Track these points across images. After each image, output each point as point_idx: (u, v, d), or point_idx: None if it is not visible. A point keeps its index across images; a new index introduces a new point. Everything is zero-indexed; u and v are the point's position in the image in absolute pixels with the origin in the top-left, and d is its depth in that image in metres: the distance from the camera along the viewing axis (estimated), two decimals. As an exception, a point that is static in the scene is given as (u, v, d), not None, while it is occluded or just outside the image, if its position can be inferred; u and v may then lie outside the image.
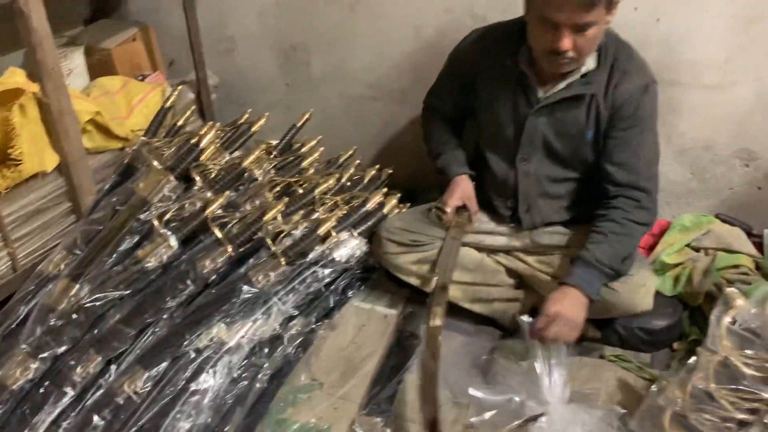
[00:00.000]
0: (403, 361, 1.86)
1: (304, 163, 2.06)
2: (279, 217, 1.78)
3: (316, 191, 1.89)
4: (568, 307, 1.67)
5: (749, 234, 2.08)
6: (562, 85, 1.77)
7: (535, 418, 1.57)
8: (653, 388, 1.49)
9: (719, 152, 2.13)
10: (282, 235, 1.75)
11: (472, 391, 1.66)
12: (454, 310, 1.98)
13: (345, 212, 1.86)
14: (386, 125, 2.54)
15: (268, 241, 1.70)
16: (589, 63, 1.74)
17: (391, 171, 2.36)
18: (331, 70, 2.53)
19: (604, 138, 1.80)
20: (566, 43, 1.59)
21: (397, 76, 2.43)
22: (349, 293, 2.09)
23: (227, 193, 1.80)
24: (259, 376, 1.73)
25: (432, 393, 1.56)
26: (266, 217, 1.73)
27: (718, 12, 1.94)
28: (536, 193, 1.92)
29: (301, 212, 1.87)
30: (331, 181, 1.94)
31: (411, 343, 1.93)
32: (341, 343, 1.93)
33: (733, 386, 1.31)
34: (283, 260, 1.68)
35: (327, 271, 1.82)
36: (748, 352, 1.31)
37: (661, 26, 2.00)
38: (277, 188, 1.92)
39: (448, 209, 1.91)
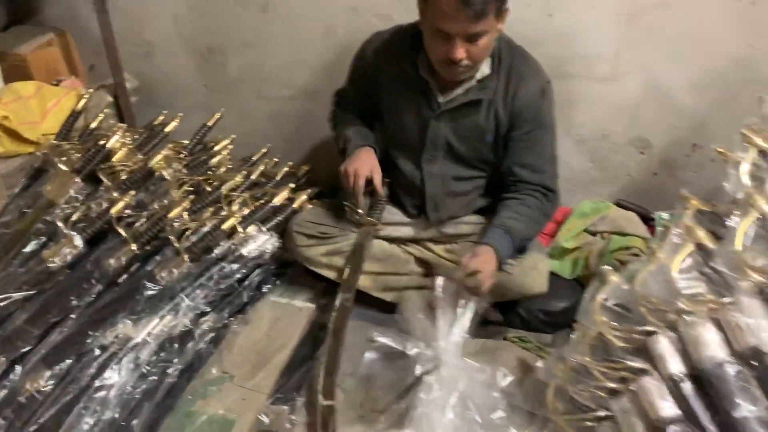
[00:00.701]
0: (313, 351, 1.91)
1: (214, 162, 2.09)
2: (185, 215, 1.82)
3: (223, 188, 1.93)
4: (482, 260, 1.75)
5: (648, 218, 2.19)
6: (459, 90, 1.84)
7: (428, 372, 1.64)
8: (538, 364, 1.57)
9: (616, 141, 2.24)
10: (188, 233, 1.78)
11: (376, 336, 1.75)
12: (365, 299, 2.05)
13: (252, 208, 1.90)
14: (304, 123, 2.59)
15: (172, 238, 1.73)
16: (484, 69, 1.81)
17: (308, 168, 2.41)
18: (247, 70, 2.57)
19: (507, 140, 1.87)
20: (460, 52, 1.65)
21: (311, 75, 2.48)
22: (265, 288, 2.13)
23: (132, 192, 1.82)
24: (169, 371, 1.75)
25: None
26: (171, 215, 1.76)
27: (606, 6, 2.04)
28: (442, 192, 1.99)
29: (211, 210, 1.91)
30: (238, 178, 1.98)
31: (323, 334, 1.98)
32: (255, 336, 1.98)
33: (605, 358, 1.39)
34: (186, 257, 1.72)
35: (235, 266, 1.86)
36: (619, 325, 1.39)
37: (554, 22, 2.09)
38: (186, 187, 1.95)
39: (360, 180, 1.89)
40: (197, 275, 1.78)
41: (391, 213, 2.08)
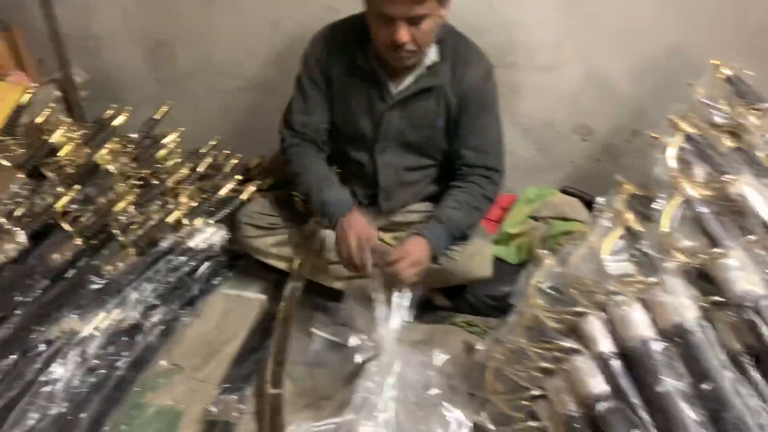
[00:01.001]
0: (264, 341, 1.93)
1: (161, 154, 2.08)
2: (132, 209, 1.82)
3: (169, 181, 1.93)
4: (413, 250, 1.78)
5: (592, 203, 2.24)
6: (410, 78, 1.86)
7: (368, 359, 1.66)
8: (478, 346, 1.61)
9: (559, 129, 2.29)
10: (133, 226, 1.79)
11: (314, 330, 1.78)
12: (315, 288, 2.08)
13: (199, 201, 1.91)
14: (255, 115, 2.59)
15: (116, 231, 1.73)
16: (432, 55, 1.84)
17: (259, 160, 2.42)
18: (197, 63, 2.56)
19: (454, 124, 1.91)
20: (403, 35, 1.66)
21: (261, 67, 2.48)
22: (216, 281, 2.14)
23: (78, 187, 1.82)
24: (118, 364, 1.75)
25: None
26: (116, 209, 1.77)
27: (546, -5, 2.08)
28: (395, 182, 2.02)
29: (158, 203, 1.92)
30: (184, 171, 1.98)
31: (273, 324, 2.00)
32: (205, 328, 1.99)
33: (540, 339, 1.43)
34: (131, 250, 1.72)
35: (183, 259, 1.88)
36: (552, 307, 1.44)
37: (496, 11, 2.13)
38: (133, 180, 1.95)
39: (368, 265, 1.81)
40: (144, 268, 1.79)
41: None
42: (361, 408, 1.51)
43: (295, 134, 1.97)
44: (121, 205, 1.77)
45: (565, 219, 2.12)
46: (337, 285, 2.08)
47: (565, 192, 2.33)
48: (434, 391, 1.54)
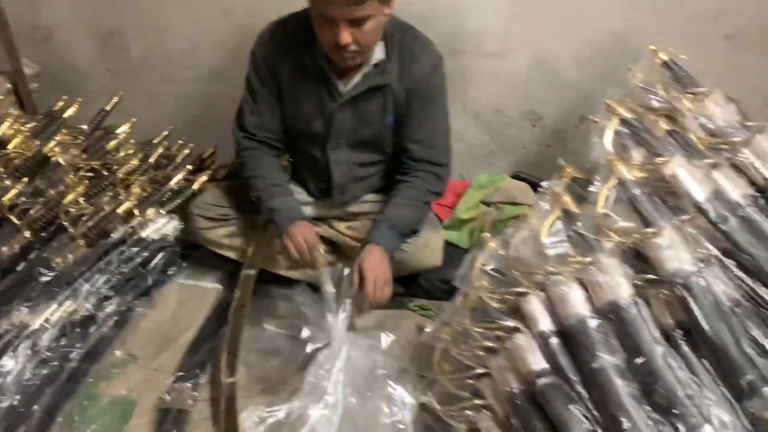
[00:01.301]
0: (218, 329, 1.94)
1: (112, 145, 2.07)
2: (81, 200, 1.82)
3: (119, 172, 1.93)
4: (374, 264, 1.81)
5: (543, 188, 2.29)
6: (358, 77, 1.85)
7: (320, 349, 1.70)
8: (426, 329, 1.65)
9: (509, 115, 2.33)
10: (84, 218, 1.79)
11: (265, 325, 1.82)
12: (271, 278, 2.09)
13: (149, 191, 1.91)
14: (209, 105, 2.59)
15: (66, 223, 1.73)
16: (378, 53, 1.83)
17: (213, 149, 2.42)
18: (150, 53, 2.55)
19: (403, 118, 1.92)
20: (345, 37, 1.65)
21: (214, 56, 2.48)
22: (171, 271, 2.14)
23: (25, 179, 1.81)
24: (72, 356, 1.76)
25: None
26: (65, 200, 1.76)
27: (493, -18, 2.11)
28: (348, 177, 2.03)
29: (110, 194, 1.91)
30: (134, 161, 1.98)
31: (227, 313, 2.01)
32: (160, 318, 2.00)
33: (483, 320, 1.48)
34: (82, 242, 1.72)
35: (135, 250, 1.88)
36: (495, 288, 1.48)
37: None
38: (83, 172, 1.94)
39: (316, 253, 1.87)
40: (95, 260, 1.79)
41: (296, 192, 2.11)
42: (311, 393, 1.55)
43: (249, 136, 1.96)
44: (70, 197, 1.76)
45: (515, 204, 2.16)
46: (291, 274, 2.10)
47: (517, 177, 2.37)
48: (381, 372, 1.58)
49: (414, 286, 2.10)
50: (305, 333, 1.71)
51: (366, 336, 1.66)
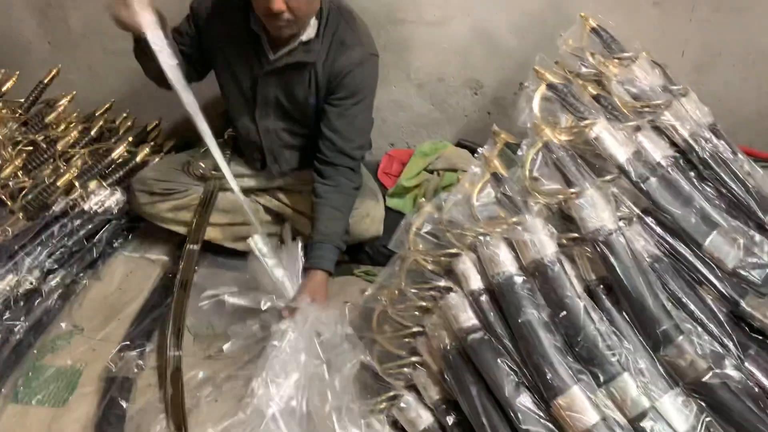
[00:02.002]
0: (164, 299, 1.96)
1: (51, 118, 2.05)
2: (20, 174, 1.81)
3: (59, 145, 1.92)
4: (315, 291, 1.83)
5: (484, 154, 2.34)
6: (285, 50, 1.85)
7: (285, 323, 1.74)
8: (367, 292, 1.70)
9: (451, 83, 2.36)
10: (24, 191, 1.78)
11: (227, 297, 1.85)
12: (218, 250, 2.12)
13: (90, 164, 1.91)
14: (154, 77, 2.57)
15: (3, 197, 1.72)
16: (310, 31, 1.83)
17: (158, 122, 2.41)
18: (90, 25, 2.51)
19: (324, 103, 1.92)
20: (278, 3, 1.64)
21: (156, 27, 2.45)
22: (116, 243, 2.15)
23: (-41, 154, 1.79)
24: (16, 329, 1.76)
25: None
26: (2, 175, 1.75)
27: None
28: (278, 145, 2.05)
29: (50, 167, 1.90)
30: (74, 134, 1.97)
31: (173, 283, 2.03)
32: (106, 290, 2.01)
33: (419, 281, 1.53)
34: (21, 215, 1.72)
35: (78, 222, 1.88)
36: (430, 250, 1.53)
37: (383, -33, 2.17)
38: (22, 146, 1.92)
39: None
40: (36, 233, 1.79)
41: (238, 165, 2.14)
42: (271, 366, 1.60)
43: None
44: (7, 171, 1.75)
45: (455, 170, 2.21)
46: (239, 246, 2.12)
47: (460, 144, 2.42)
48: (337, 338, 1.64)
49: (359, 252, 2.15)
50: (265, 304, 1.77)
51: (326, 308, 1.74)
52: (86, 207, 1.87)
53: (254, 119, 1.99)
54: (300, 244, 1.87)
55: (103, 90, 2.52)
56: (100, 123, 2.11)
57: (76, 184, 1.82)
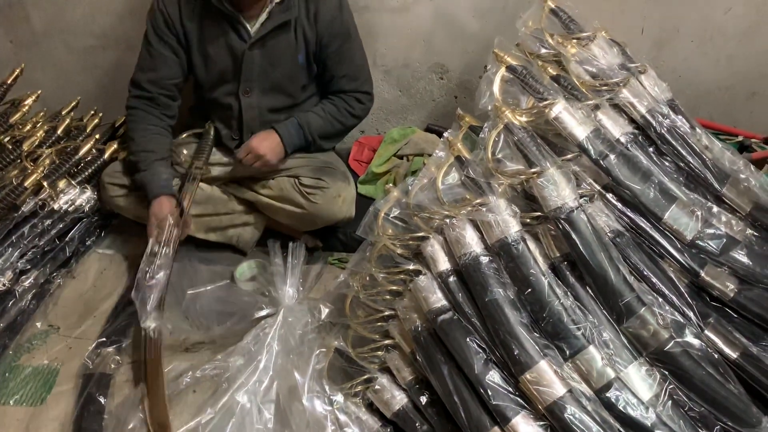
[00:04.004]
0: (139, 294, 1.97)
1: (16, 118, 2.03)
2: (-14, 176, 1.80)
3: (25, 145, 1.91)
4: (265, 145, 1.97)
5: (453, 138, 2.37)
6: (264, 15, 1.89)
7: (267, 316, 1.79)
8: (340, 278, 1.72)
9: (417, 69, 2.38)
10: (-9, 193, 1.77)
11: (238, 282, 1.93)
12: (191, 242, 2.12)
13: (58, 163, 1.90)
14: (119, 73, 2.53)
15: (-29, 199, 1.72)
16: None
17: (125, 118, 2.40)
18: (52, 23, 2.48)
19: (321, 58, 1.98)
20: None
21: (120, 22, 2.44)
22: (89, 241, 2.15)
23: None
24: (-10, 331, 1.78)
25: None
26: (-32, 177, 1.74)
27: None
28: (259, 123, 2.06)
29: (17, 168, 1.89)
30: (40, 134, 1.96)
31: (149, 278, 2.04)
32: (81, 288, 2.02)
33: (389, 265, 1.55)
34: (-11, 216, 1.71)
35: (49, 222, 1.88)
36: (398, 235, 1.55)
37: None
38: (-14, 147, 1.92)
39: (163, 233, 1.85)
40: (6, 234, 1.78)
41: (213, 156, 2.12)
42: (245, 354, 1.63)
43: (140, 93, 1.98)
44: (-27, 173, 1.74)
45: (425, 155, 2.23)
46: (211, 237, 2.13)
47: (429, 129, 2.44)
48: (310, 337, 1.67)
49: (332, 239, 2.17)
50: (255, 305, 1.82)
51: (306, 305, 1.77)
52: (56, 206, 1.86)
53: (237, 97, 2.01)
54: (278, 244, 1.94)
55: (70, 88, 2.51)
56: (67, 121, 2.09)
57: (45, 183, 1.81)
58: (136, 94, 1.98)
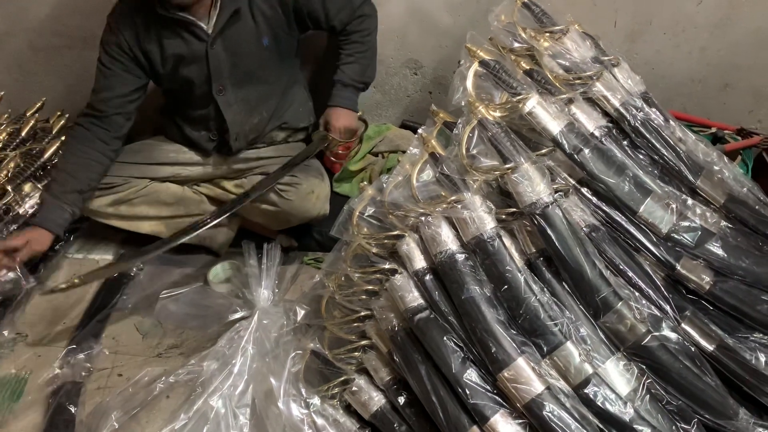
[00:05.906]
0: (110, 299, 1.93)
1: (-22, 122, 1.99)
2: (-51, 181, 1.75)
3: (-13, 149, 1.86)
4: (344, 120, 2.04)
5: (428, 134, 2.35)
6: (215, 10, 1.84)
7: (241, 319, 1.77)
8: (315, 279, 1.69)
9: (391, 65, 2.36)
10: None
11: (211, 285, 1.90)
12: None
13: (22, 166, 1.86)
14: (85, 72, 2.47)
15: (-68, 206, 1.67)
16: None
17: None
18: (13, 22, 2.41)
19: (302, 17, 1.94)
20: None
21: (85, 20, 2.37)
22: (58, 246, 2.10)
23: None
24: (-45, 342, 1.73)
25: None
26: (-70, 182, 1.69)
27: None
28: (242, 119, 2.01)
29: (-18, 172, 1.85)
30: (3, 136, 1.91)
31: (120, 283, 2.00)
32: (50, 294, 1.96)
33: (365, 265, 1.53)
34: (-49, 222, 1.67)
35: (15, 227, 1.83)
36: (373, 234, 1.53)
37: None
38: (-51, 151, 1.86)
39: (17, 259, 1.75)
40: (-31, 240, 1.74)
41: (181, 152, 2.09)
42: (220, 359, 1.60)
43: (91, 111, 1.91)
44: (-65, 178, 1.69)
45: (398, 152, 2.21)
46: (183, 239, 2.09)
47: (405, 125, 2.43)
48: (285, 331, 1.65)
49: (308, 239, 2.14)
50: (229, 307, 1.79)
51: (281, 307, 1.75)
52: (21, 210, 1.82)
53: (212, 99, 1.96)
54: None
55: (35, 88, 2.45)
56: (32, 123, 2.05)
57: (9, 188, 1.77)
58: (86, 113, 1.91)
